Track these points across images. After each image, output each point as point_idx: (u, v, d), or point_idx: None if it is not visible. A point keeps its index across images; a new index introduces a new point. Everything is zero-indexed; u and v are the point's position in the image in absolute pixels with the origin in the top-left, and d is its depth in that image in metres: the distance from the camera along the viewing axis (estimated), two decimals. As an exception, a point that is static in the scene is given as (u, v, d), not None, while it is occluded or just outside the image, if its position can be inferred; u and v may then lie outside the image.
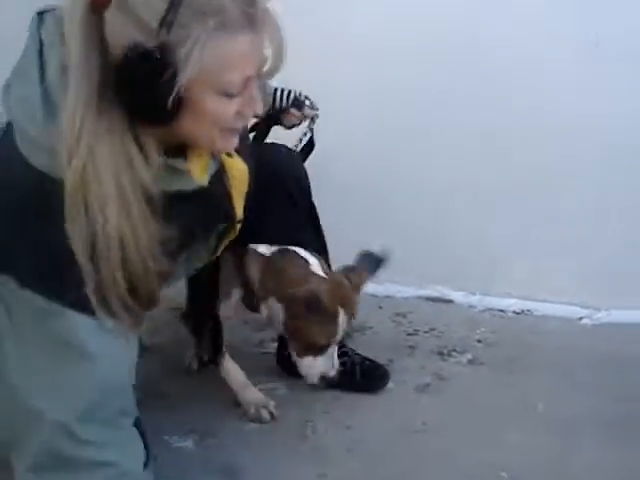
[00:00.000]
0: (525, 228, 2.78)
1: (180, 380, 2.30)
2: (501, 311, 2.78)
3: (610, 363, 2.45)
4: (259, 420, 2.13)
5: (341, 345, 2.28)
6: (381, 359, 2.41)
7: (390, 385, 2.31)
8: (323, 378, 2.02)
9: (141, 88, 1.33)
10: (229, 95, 1.40)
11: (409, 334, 2.62)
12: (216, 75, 1.36)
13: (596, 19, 2.56)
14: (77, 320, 1.43)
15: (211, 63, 1.33)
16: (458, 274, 2.84)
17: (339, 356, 2.23)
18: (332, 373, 2.02)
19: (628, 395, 2.28)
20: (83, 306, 1.41)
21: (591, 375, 2.39)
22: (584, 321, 2.72)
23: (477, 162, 2.77)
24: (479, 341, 2.59)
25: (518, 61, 2.64)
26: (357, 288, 2.05)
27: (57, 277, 1.40)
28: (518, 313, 2.78)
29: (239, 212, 1.77)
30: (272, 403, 2.16)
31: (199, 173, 1.56)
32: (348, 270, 2.07)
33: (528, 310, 2.78)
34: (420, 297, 2.86)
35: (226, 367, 2.16)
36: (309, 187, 2.20)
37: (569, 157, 2.68)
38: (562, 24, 2.59)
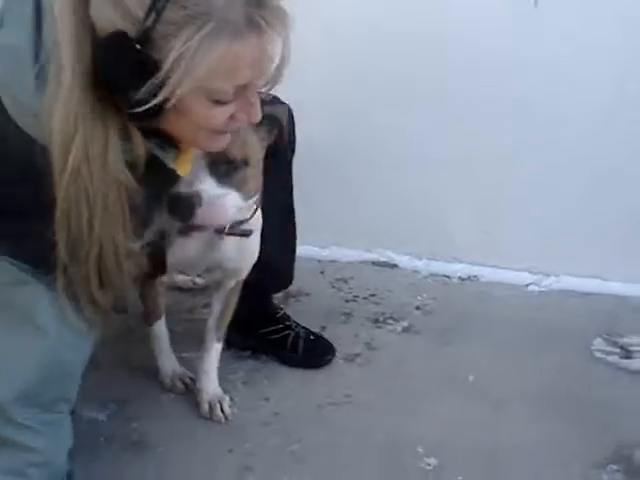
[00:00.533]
0: (475, 191, 2.68)
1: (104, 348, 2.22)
2: (446, 277, 2.69)
3: (551, 334, 2.37)
4: (173, 391, 2.06)
5: (285, 318, 2.24)
6: (314, 326, 2.34)
7: (318, 354, 2.24)
8: (174, 198, 1.59)
9: (120, 81, 1.20)
10: (221, 103, 1.27)
11: (347, 300, 2.54)
12: (206, 81, 1.21)
13: None
14: (43, 295, 1.38)
15: (202, 69, 1.18)
16: (405, 238, 2.75)
17: (280, 329, 2.22)
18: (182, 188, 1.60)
19: (564, 367, 2.22)
20: (52, 286, 1.36)
21: (530, 346, 2.31)
22: (531, 288, 2.63)
23: (427, 127, 2.65)
24: (418, 308, 2.51)
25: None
26: None
27: (34, 252, 1.34)
28: (464, 279, 2.69)
29: None
30: (189, 374, 2.09)
31: (185, 167, 1.47)
32: None
33: (475, 276, 2.69)
34: (365, 261, 2.76)
35: (157, 330, 2.07)
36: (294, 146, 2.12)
37: (520, 127, 2.57)
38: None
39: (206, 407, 1.99)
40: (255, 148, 1.72)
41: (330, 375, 2.18)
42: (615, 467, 1.88)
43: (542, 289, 2.63)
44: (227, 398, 2.02)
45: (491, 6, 2.47)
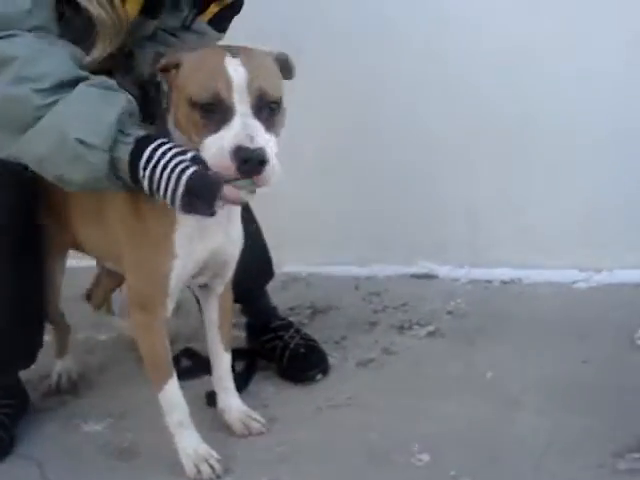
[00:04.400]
0: (513, 190, 2.54)
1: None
2: (487, 282, 2.53)
3: (591, 328, 2.17)
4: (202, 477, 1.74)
5: (280, 327, 2.18)
6: (334, 337, 2.28)
7: (331, 361, 2.15)
8: (240, 150, 1.40)
9: None
10: None
11: (375, 311, 2.44)
12: None
13: None
14: None
15: None
16: (444, 248, 2.64)
17: (271, 339, 2.15)
18: (249, 144, 1.40)
19: (596, 358, 2.02)
20: None
21: (563, 341, 2.12)
22: (578, 285, 2.42)
23: (455, 134, 2.57)
24: (449, 312, 2.37)
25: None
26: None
27: None
28: (506, 282, 2.52)
29: None
30: (215, 455, 1.75)
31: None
32: None
33: (518, 278, 2.51)
34: (404, 275, 2.66)
35: (170, 395, 1.77)
36: None
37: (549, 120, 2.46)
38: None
39: (240, 425, 1.87)
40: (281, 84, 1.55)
41: (338, 380, 2.09)
42: (637, 455, 1.66)
43: (591, 284, 2.42)
44: (251, 411, 1.91)
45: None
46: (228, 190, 1.42)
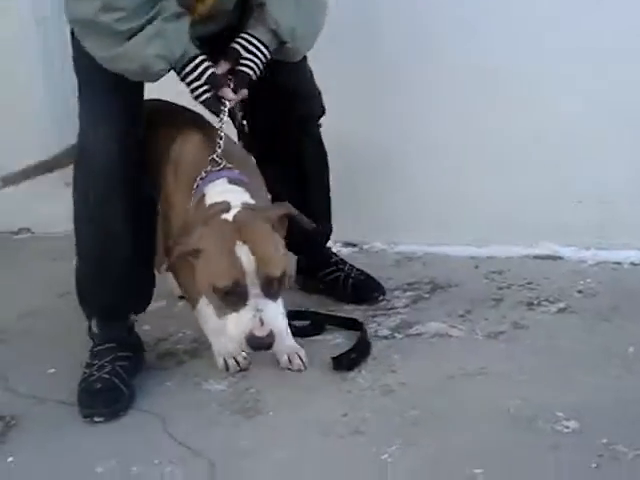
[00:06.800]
0: None
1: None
2: (616, 263, 2.40)
3: None
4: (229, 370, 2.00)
5: (338, 262, 2.37)
6: (458, 310, 2.20)
7: (457, 333, 2.06)
8: (252, 339, 1.65)
9: None
10: None
11: (500, 288, 2.33)
12: None
13: None
14: None
15: None
16: (568, 229, 2.51)
17: (333, 272, 2.35)
18: (259, 332, 1.64)
19: None
20: None
21: None
22: None
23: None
24: (579, 292, 2.25)
25: None
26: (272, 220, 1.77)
27: None
28: (637, 264, 2.39)
29: None
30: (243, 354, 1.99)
31: None
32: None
33: (651, 260, 2.39)
34: (527, 256, 2.54)
35: (201, 309, 1.99)
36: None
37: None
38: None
39: (285, 358, 1.99)
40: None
41: (467, 351, 1.99)
42: None
43: None
44: (302, 349, 2.00)
45: None
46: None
